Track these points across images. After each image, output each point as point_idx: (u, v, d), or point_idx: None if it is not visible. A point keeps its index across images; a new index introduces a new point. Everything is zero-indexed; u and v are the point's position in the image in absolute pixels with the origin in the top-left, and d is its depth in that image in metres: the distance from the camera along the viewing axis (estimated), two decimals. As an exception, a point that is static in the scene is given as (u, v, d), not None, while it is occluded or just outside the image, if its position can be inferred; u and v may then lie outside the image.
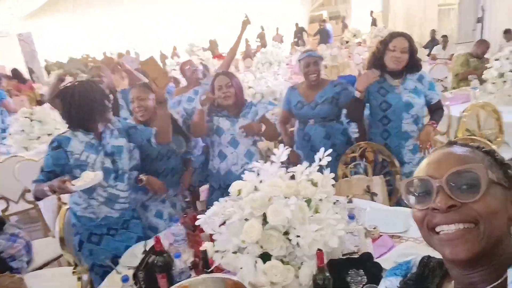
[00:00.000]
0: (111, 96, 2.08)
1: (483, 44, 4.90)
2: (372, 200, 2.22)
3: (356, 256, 1.43)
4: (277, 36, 13.61)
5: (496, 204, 0.63)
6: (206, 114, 2.42)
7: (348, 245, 1.41)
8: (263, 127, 2.47)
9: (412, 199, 0.70)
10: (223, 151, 2.43)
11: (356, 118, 2.63)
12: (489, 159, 0.68)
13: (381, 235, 1.69)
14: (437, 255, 0.73)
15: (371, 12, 13.09)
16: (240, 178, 1.51)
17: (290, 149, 1.56)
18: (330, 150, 1.41)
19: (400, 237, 1.71)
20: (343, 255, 1.43)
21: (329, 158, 1.38)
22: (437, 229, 0.66)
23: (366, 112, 2.62)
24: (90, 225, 2.01)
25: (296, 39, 12.78)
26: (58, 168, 1.89)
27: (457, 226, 0.64)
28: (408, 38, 2.39)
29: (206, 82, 3.14)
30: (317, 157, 1.39)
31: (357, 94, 2.40)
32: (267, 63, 6.73)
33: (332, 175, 1.40)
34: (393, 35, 2.41)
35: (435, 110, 2.50)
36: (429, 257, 0.80)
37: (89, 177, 1.83)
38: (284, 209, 1.24)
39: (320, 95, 2.65)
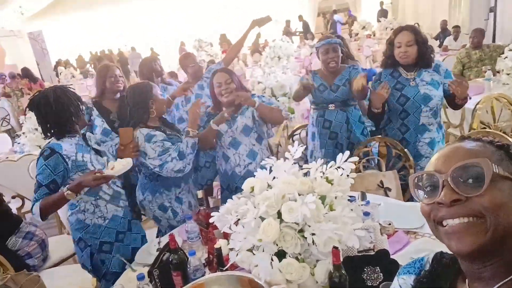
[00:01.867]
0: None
1: (477, 33, 4.73)
2: (386, 195, 2.20)
3: (372, 253, 1.42)
4: (286, 28, 13.51)
5: (503, 198, 0.63)
6: (207, 118, 2.40)
7: (364, 241, 1.40)
8: (257, 103, 2.29)
9: (420, 193, 0.71)
10: (226, 153, 2.39)
11: (374, 117, 2.58)
12: (500, 153, 0.68)
13: (396, 231, 1.67)
14: (436, 242, 0.76)
15: (381, 3, 12.88)
16: (243, 179, 1.51)
17: (304, 146, 1.55)
18: (347, 153, 1.38)
19: (416, 233, 1.68)
20: (359, 252, 1.42)
21: (352, 166, 1.36)
22: (444, 222, 0.67)
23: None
24: (99, 231, 1.98)
25: (299, 32, 12.67)
26: (58, 177, 1.81)
27: (462, 220, 0.65)
28: (412, 30, 2.37)
29: (208, 75, 3.12)
30: (338, 158, 1.37)
31: (375, 110, 2.42)
32: (276, 57, 6.69)
33: (354, 175, 1.38)
34: (396, 31, 2.42)
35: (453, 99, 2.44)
36: (442, 253, 0.79)
37: (123, 163, 1.87)
38: (301, 207, 1.22)
39: (340, 78, 2.70)
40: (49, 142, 1.91)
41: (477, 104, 3.19)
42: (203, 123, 2.43)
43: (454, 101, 2.34)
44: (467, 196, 0.64)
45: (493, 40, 6.01)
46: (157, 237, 2.32)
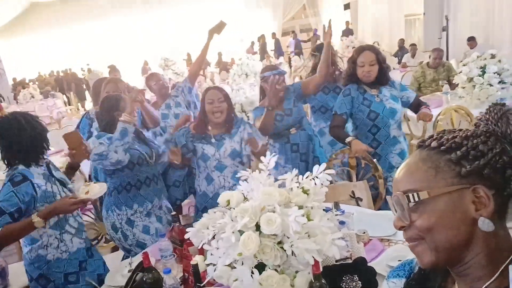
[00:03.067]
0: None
1: (437, 52, 4.90)
2: (358, 205, 2.24)
3: (349, 261, 1.42)
4: (250, 48, 13.77)
5: (434, 218, 0.65)
6: (190, 136, 2.35)
7: (342, 250, 1.40)
8: (260, 146, 2.31)
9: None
10: (210, 174, 2.32)
11: (336, 136, 2.61)
12: (445, 159, 0.66)
13: (370, 239, 1.69)
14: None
15: (347, 22, 13.39)
16: None
17: (277, 156, 1.55)
18: (324, 165, 1.39)
19: (389, 240, 1.72)
20: (336, 261, 1.42)
21: (329, 177, 1.37)
22: None
23: (349, 127, 2.71)
24: (62, 265, 1.85)
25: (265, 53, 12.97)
26: (24, 206, 1.68)
27: (411, 242, 0.69)
28: (374, 50, 2.51)
29: (175, 93, 3.12)
30: (315, 169, 1.37)
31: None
32: (243, 74, 6.76)
33: (328, 183, 1.39)
34: (359, 50, 2.52)
35: (418, 105, 2.60)
36: None
37: (97, 187, 1.81)
38: (291, 221, 1.21)
39: (287, 102, 2.73)
40: (17, 168, 1.76)
41: (438, 116, 3.35)
42: (181, 141, 2.35)
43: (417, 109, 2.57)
44: (407, 223, 0.68)
45: (447, 57, 6.41)
46: (122, 259, 2.24)
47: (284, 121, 2.71)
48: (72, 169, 2.12)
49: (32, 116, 1.83)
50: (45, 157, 1.88)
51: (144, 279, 1.44)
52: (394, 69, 7.63)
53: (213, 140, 2.31)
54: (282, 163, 2.77)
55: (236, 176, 1.52)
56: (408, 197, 0.67)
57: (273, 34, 14.30)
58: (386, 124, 2.50)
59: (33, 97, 10.04)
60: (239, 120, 2.42)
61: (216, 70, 11.44)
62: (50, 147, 1.88)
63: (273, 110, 2.51)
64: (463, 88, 3.88)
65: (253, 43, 14.23)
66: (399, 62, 8.50)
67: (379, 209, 2.29)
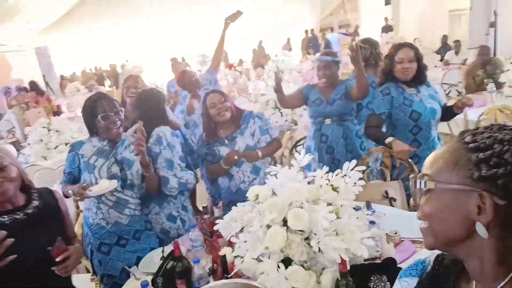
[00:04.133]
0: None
1: (484, 50, 4.74)
2: (391, 205, 2.19)
3: (378, 261, 1.40)
4: (286, 45, 13.69)
5: (436, 207, 0.69)
6: (205, 144, 2.42)
7: (371, 250, 1.38)
8: (260, 154, 2.35)
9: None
10: (230, 171, 2.36)
11: (373, 137, 2.53)
12: (468, 157, 0.66)
13: (402, 240, 1.65)
14: None
15: (386, 18, 12.98)
16: None
17: (312, 156, 1.55)
18: (354, 162, 1.38)
19: (422, 242, 1.67)
20: (365, 260, 1.40)
21: (359, 174, 1.36)
22: None
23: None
24: (101, 233, 2.01)
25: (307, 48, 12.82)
26: (74, 171, 2.02)
27: (421, 223, 0.74)
28: (413, 47, 2.42)
29: (205, 86, 3.19)
30: (345, 166, 1.37)
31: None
32: (279, 70, 6.74)
33: (362, 182, 1.37)
34: (398, 47, 2.43)
35: (446, 108, 2.52)
36: (443, 254, 0.80)
37: (104, 184, 1.89)
38: (319, 218, 1.22)
39: (336, 92, 2.73)
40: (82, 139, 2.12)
41: (480, 116, 3.20)
42: (198, 151, 2.48)
43: (449, 111, 2.47)
44: (418, 204, 0.74)
45: (494, 54, 6.05)
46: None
47: (321, 107, 2.75)
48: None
49: (111, 98, 2.06)
50: (123, 136, 2.07)
51: (175, 267, 1.49)
52: (436, 66, 7.33)
53: (226, 141, 2.36)
54: (312, 148, 2.82)
55: (266, 170, 1.53)
56: (415, 182, 0.72)
57: (311, 31, 14.10)
58: (428, 125, 2.41)
59: (78, 90, 10.53)
60: (248, 114, 2.43)
61: (251, 66, 11.47)
62: (118, 123, 2.02)
63: (279, 93, 2.75)
64: (510, 87, 3.67)
65: (289, 39, 14.12)
66: (442, 60, 8.14)
67: (414, 210, 2.22)
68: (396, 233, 1.63)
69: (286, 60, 7.05)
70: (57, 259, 1.47)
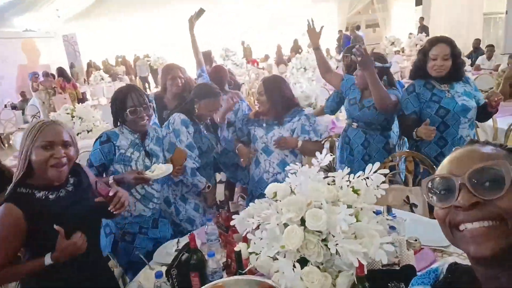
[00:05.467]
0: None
1: None
2: (412, 211, 2.13)
3: (397, 268, 1.36)
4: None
5: None
6: (245, 125, 2.52)
7: (389, 256, 1.34)
8: (299, 143, 2.33)
9: (434, 198, 0.70)
10: (258, 157, 2.43)
11: (408, 135, 2.42)
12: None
13: (422, 248, 1.60)
14: (465, 262, 0.74)
15: (422, 18, 12.61)
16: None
17: (333, 156, 1.52)
18: (378, 164, 1.34)
19: (443, 251, 1.62)
20: (383, 266, 1.36)
21: (382, 178, 1.31)
22: (460, 227, 0.66)
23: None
24: (123, 223, 2.06)
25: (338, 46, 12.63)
26: (107, 161, 1.98)
27: (481, 224, 0.64)
28: (450, 43, 2.29)
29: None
30: (367, 168, 1.33)
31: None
32: (302, 68, 6.68)
33: (386, 185, 1.32)
34: (433, 42, 2.32)
35: (484, 110, 2.39)
36: (456, 263, 0.77)
37: (163, 168, 1.95)
38: (338, 220, 1.19)
39: (369, 99, 2.49)
40: (111, 129, 2.06)
41: (511, 125, 3.07)
42: (239, 125, 2.57)
43: (485, 111, 2.35)
44: (486, 199, 0.63)
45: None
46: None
47: (352, 108, 2.61)
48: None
49: (141, 92, 2.05)
50: (146, 126, 2.06)
51: (189, 259, 1.48)
52: (466, 71, 7.10)
53: (264, 125, 2.42)
54: (339, 146, 2.79)
55: (286, 168, 1.50)
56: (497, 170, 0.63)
57: (340, 32, 13.85)
58: (456, 122, 2.31)
59: (102, 79, 10.74)
60: (297, 111, 2.41)
61: (273, 63, 11.42)
62: (146, 118, 2.03)
63: (316, 50, 2.70)
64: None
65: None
66: (472, 64, 7.89)
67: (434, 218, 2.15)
68: (416, 240, 1.58)
69: (310, 57, 6.96)
70: (110, 194, 1.55)
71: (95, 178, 1.75)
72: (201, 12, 3.07)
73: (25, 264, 1.45)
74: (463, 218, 0.65)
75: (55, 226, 1.39)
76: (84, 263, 1.54)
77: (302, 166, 1.43)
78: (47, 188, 1.46)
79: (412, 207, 2.17)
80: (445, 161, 0.72)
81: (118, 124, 2.07)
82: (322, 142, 3.16)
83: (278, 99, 2.36)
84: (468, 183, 0.64)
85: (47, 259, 1.40)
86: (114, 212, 1.56)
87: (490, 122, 3.24)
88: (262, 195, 1.51)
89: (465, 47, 9.42)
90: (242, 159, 2.48)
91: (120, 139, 2.01)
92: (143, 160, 2.05)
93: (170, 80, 2.70)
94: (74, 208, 1.50)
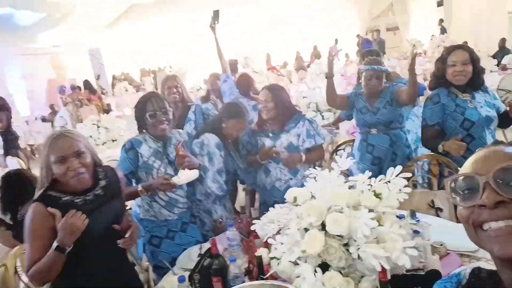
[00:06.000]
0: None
1: None
2: (437, 215, 2.08)
3: (421, 273, 1.33)
4: (334, 47, 13.46)
5: None
6: (252, 135, 2.49)
7: (413, 261, 1.32)
8: (303, 157, 2.36)
9: (457, 197, 0.69)
10: (267, 166, 2.39)
11: (432, 146, 2.40)
12: None
13: (448, 253, 1.56)
14: (488, 267, 0.73)
15: (441, 20, 12.38)
16: (283, 194, 1.48)
17: (354, 160, 1.52)
18: (399, 167, 1.32)
19: (470, 257, 1.56)
20: (407, 271, 1.33)
21: (404, 181, 1.30)
22: (485, 226, 0.65)
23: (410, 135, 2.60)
24: (151, 226, 2.12)
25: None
26: (134, 168, 2.05)
27: (506, 223, 0.63)
28: (467, 49, 2.27)
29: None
30: (389, 172, 1.32)
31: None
32: (321, 73, 6.66)
33: (409, 189, 1.31)
34: (449, 49, 2.30)
35: (505, 117, 2.34)
36: (479, 268, 0.76)
37: (190, 174, 1.98)
38: (360, 225, 1.18)
39: (380, 100, 2.61)
40: (135, 136, 2.16)
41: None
42: (246, 139, 2.50)
43: (506, 117, 2.30)
44: (511, 198, 0.62)
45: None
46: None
47: (367, 116, 2.64)
48: None
49: (161, 98, 2.12)
50: (169, 135, 2.14)
51: (211, 264, 1.50)
52: (491, 71, 6.89)
53: (270, 134, 2.41)
54: (357, 158, 2.72)
55: (305, 173, 1.50)
56: None
57: (358, 36, 13.76)
58: (481, 134, 2.25)
59: (126, 90, 11.03)
60: (299, 117, 2.44)
61: (293, 69, 11.43)
62: (166, 122, 2.08)
63: (329, 79, 2.67)
64: None
65: (336, 40, 13.86)
66: (498, 64, 7.65)
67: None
68: (441, 245, 1.55)
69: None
70: (126, 235, 1.57)
71: (124, 187, 1.80)
72: (216, 14, 3.11)
73: (44, 257, 1.46)
74: (487, 217, 0.65)
75: (49, 208, 1.45)
76: (111, 265, 1.59)
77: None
78: (74, 193, 1.53)
79: (437, 211, 2.11)
80: (469, 161, 0.72)
81: (143, 131, 2.13)
82: (343, 148, 3.17)
83: (284, 105, 2.40)
84: (493, 182, 0.64)
85: (54, 244, 1.43)
86: (120, 245, 1.58)
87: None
88: (276, 203, 1.52)
89: (489, 47, 9.17)
90: (260, 156, 2.38)
91: (143, 147, 2.08)
92: (165, 168, 2.09)
93: (167, 90, 2.84)
94: (100, 211, 1.56)
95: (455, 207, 2.24)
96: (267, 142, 2.39)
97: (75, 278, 1.52)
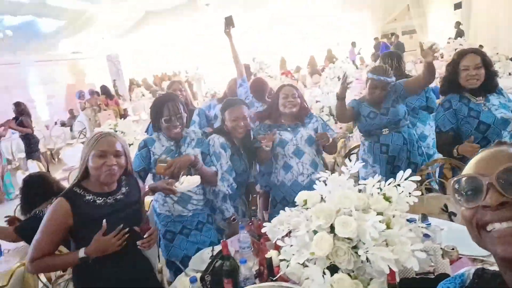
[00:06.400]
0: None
1: None
2: (450, 220, 2.06)
3: (431, 276, 1.33)
4: (352, 50, 13.40)
5: None
6: (268, 129, 2.50)
7: (423, 264, 1.32)
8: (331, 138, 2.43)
9: (461, 198, 0.69)
10: (288, 162, 2.43)
11: (448, 152, 2.39)
12: None
13: (460, 257, 1.55)
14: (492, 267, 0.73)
15: (458, 23, 12.19)
16: (306, 188, 1.50)
17: (363, 163, 1.53)
18: (409, 171, 1.32)
19: (484, 261, 1.55)
20: (417, 274, 1.33)
21: (413, 185, 1.31)
22: (488, 227, 0.65)
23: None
24: (166, 221, 2.18)
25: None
26: (146, 166, 2.14)
27: (510, 224, 0.63)
28: (479, 53, 2.27)
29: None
30: (399, 175, 1.32)
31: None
32: (335, 78, 6.65)
33: (418, 192, 1.31)
34: (462, 53, 2.30)
35: None
36: (483, 269, 0.76)
37: (191, 181, 2.01)
38: (367, 227, 1.19)
39: (386, 101, 2.66)
40: (149, 136, 2.28)
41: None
42: (262, 131, 2.50)
43: None
44: None
45: None
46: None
47: (377, 120, 2.66)
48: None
49: (177, 102, 2.16)
50: (184, 134, 2.22)
51: (222, 266, 1.53)
52: (510, 74, 6.76)
53: (288, 128, 2.46)
54: (370, 162, 2.73)
55: (315, 177, 1.52)
56: None
57: (375, 39, 13.66)
58: (497, 136, 2.23)
59: (143, 95, 11.22)
60: (312, 115, 2.57)
61: (307, 73, 11.42)
62: (179, 126, 2.15)
63: (341, 100, 2.65)
64: None
65: (354, 44, 13.78)
66: (518, 67, 7.48)
67: (476, 227, 2.06)
68: (453, 249, 1.54)
69: (344, 67, 6.94)
70: (145, 236, 1.63)
71: (144, 197, 1.90)
72: (229, 20, 3.14)
73: (61, 256, 1.65)
74: (491, 218, 0.65)
75: (104, 222, 1.55)
76: (127, 265, 1.67)
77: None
78: (97, 193, 1.63)
79: (450, 215, 2.09)
80: (472, 161, 0.72)
81: (157, 130, 2.21)
82: (356, 152, 3.17)
83: (304, 102, 2.54)
84: (496, 183, 0.64)
85: (81, 253, 1.54)
86: (139, 247, 1.65)
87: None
88: None
89: (509, 49, 8.98)
90: (264, 142, 2.33)
91: (156, 145, 2.17)
92: None
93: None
94: (118, 216, 1.63)
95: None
96: (286, 135, 2.44)
97: (96, 281, 1.61)
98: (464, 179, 0.69)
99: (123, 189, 1.72)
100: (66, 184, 3.51)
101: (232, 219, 2.30)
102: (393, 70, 2.86)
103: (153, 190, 2.03)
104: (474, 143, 2.19)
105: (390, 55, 3.19)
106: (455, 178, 0.71)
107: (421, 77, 2.50)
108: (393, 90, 2.64)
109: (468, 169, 0.71)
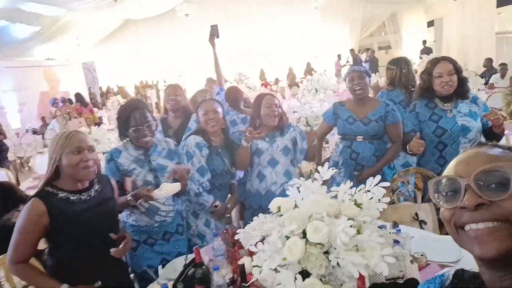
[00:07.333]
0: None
1: None
2: (421, 228, 2.11)
3: (400, 281, 1.35)
4: (337, 62, 13.64)
5: None
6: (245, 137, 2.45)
7: (392, 269, 1.34)
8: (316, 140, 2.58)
9: (440, 199, 0.71)
10: (262, 171, 2.45)
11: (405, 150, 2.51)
12: None
13: (428, 264, 1.59)
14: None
15: (424, 41, 12.72)
16: (279, 197, 1.50)
17: (335, 170, 1.55)
18: (379, 177, 1.35)
19: (451, 267, 1.59)
20: (387, 279, 1.36)
21: (383, 191, 1.32)
22: (466, 227, 0.67)
23: None
24: (131, 230, 2.12)
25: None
26: (117, 177, 2.06)
27: (486, 224, 0.64)
28: (451, 60, 2.37)
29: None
30: (369, 182, 1.34)
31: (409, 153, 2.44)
32: (313, 90, 6.75)
33: (387, 199, 1.33)
34: (434, 61, 2.40)
35: (489, 132, 2.37)
36: (463, 270, 0.78)
37: (170, 187, 1.99)
38: (338, 232, 1.20)
39: (373, 113, 2.61)
40: (116, 146, 2.21)
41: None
42: (240, 137, 2.50)
43: (491, 132, 2.30)
44: (491, 200, 0.63)
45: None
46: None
47: (354, 126, 2.64)
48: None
49: (144, 111, 2.10)
50: (155, 141, 2.16)
51: (195, 273, 1.51)
52: (479, 90, 7.06)
53: (266, 139, 2.47)
54: (339, 164, 2.73)
55: (289, 183, 1.53)
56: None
57: (351, 50, 14.00)
58: (454, 142, 2.34)
59: (119, 104, 11.04)
60: (289, 125, 2.59)
61: (286, 85, 11.57)
62: (149, 135, 2.10)
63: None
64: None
65: (339, 56, 14.03)
66: (486, 83, 7.83)
67: (446, 234, 2.12)
68: (422, 255, 1.57)
69: (321, 79, 7.05)
70: (120, 246, 1.63)
71: (117, 196, 1.91)
72: (214, 29, 3.17)
73: (46, 278, 1.59)
74: (468, 218, 0.66)
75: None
76: (102, 267, 1.66)
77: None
78: (70, 191, 1.63)
79: (421, 224, 2.15)
80: (452, 162, 0.73)
81: (124, 139, 2.14)
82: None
83: (284, 113, 2.57)
84: (474, 185, 0.65)
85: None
86: (112, 254, 1.65)
87: (504, 140, 3.19)
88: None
89: (478, 66, 9.40)
90: (249, 136, 2.35)
91: (122, 156, 2.09)
92: (145, 176, 2.09)
93: (166, 97, 2.96)
94: (93, 212, 1.65)
95: (439, 220, 2.28)
96: (263, 145, 2.45)
97: (67, 276, 1.59)
98: (443, 180, 0.71)
99: (96, 186, 1.73)
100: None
101: (214, 205, 2.31)
102: (402, 76, 3.03)
103: (135, 198, 1.97)
104: (421, 140, 2.28)
105: (399, 61, 3.25)
106: (435, 180, 0.72)
107: (392, 147, 2.64)
108: (384, 109, 2.60)
109: (448, 170, 0.73)
